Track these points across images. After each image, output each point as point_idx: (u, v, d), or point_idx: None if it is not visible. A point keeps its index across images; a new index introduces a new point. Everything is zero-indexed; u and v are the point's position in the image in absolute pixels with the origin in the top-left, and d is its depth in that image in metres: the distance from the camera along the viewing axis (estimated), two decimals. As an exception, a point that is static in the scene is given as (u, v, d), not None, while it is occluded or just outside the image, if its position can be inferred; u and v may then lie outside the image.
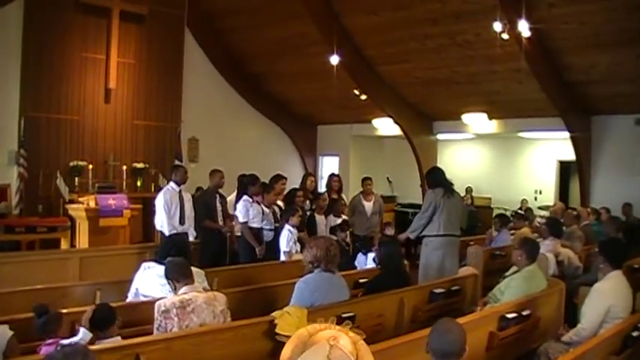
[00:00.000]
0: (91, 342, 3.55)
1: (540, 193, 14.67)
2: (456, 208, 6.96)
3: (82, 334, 3.64)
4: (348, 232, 8.30)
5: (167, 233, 7.55)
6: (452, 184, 7.02)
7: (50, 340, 3.55)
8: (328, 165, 16.88)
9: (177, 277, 4.09)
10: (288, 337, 1.58)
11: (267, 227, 7.81)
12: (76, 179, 11.72)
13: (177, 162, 12.11)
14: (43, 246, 9.60)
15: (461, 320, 3.59)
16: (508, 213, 11.21)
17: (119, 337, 3.72)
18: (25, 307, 4.11)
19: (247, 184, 7.95)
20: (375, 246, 7.08)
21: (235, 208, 7.94)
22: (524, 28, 8.80)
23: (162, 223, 7.55)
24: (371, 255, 7.32)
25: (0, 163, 11.28)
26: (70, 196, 11.21)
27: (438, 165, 14.82)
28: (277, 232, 7.71)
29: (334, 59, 11.68)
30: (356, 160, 16.11)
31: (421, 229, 6.80)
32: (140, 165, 12.81)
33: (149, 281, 4.81)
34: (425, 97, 13.45)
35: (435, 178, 7.01)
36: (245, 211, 7.67)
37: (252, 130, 15.64)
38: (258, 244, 7.63)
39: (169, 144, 13.57)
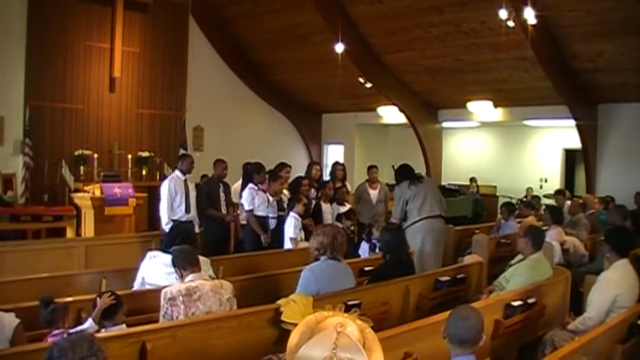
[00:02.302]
0: (97, 331, 3.57)
1: (546, 181, 14.64)
2: (428, 189, 7.17)
3: (89, 325, 3.66)
4: (353, 220, 8.29)
5: (163, 224, 7.56)
6: (419, 173, 7.41)
7: (57, 331, 3.57)
8: (333, 153, 16.84)
9: (184, 265, 4.09)
10: (294, 324, 1.57)
11: (271, 215, 7.81)
12: (82, 168, 11.75)
13: (184, 151, 12.11)
14: (48, 235, 9.60)
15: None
16: (514, 201, 11.16)
17: (124, 325, 3.74)
18: (31, 296, 4.12)
19: (252, 173, 7.93)
20: (373, 235, 7.14)
21: (240, 197, 7.94)
22: (529, 15, 8.73)
23: (162, 212, 7.57)
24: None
25: (5, 152, 11.32)
26: (75, 185, 11.24)
27: (443, 153, 14.85)
28: (281, 220, 7.72)
29: (339, 47, 11.63)
30: (361, 149, 16.09)
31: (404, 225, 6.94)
32: (145, 154, 12.83)
33: (155, 270, 4.81)
34: (430, 85, 13.40)
35: (399, 174, 7.33)
36: (251, 199, 7.66)
37: (257, 118, 15.63)
38: (264, 232, 7.63)
39: (174, 132, 13.58)
